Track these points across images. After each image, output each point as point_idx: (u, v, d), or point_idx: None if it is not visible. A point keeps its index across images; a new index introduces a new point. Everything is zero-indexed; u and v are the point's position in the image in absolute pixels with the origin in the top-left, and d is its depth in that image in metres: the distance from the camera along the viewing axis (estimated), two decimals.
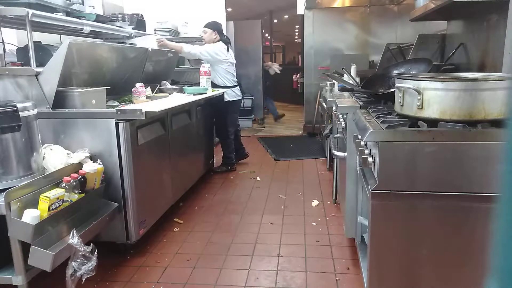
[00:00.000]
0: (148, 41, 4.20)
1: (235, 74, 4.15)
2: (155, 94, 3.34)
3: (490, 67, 2.13)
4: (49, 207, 1.74)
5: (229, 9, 8.61)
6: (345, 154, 2.20)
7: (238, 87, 4.17)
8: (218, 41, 3.98)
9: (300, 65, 6.18)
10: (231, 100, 4.07)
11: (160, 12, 5.16)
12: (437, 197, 1.45)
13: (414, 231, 1.51)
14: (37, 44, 2.72)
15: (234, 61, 4.14)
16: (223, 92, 3.95)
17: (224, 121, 4.10)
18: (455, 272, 1.50)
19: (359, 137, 1.72)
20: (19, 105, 1.81)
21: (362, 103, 2.14)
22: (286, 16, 12.75)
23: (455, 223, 1.47)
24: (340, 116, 2.37)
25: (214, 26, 4.00)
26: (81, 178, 2.00)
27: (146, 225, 2.47)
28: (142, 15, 4.21)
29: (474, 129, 1.41)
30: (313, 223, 2.83)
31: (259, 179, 3.90)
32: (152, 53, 3.39)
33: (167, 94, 3.46)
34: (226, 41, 4.02)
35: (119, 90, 3.01)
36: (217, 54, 3.90)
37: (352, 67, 3.46)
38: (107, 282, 2.13)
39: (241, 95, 4.26)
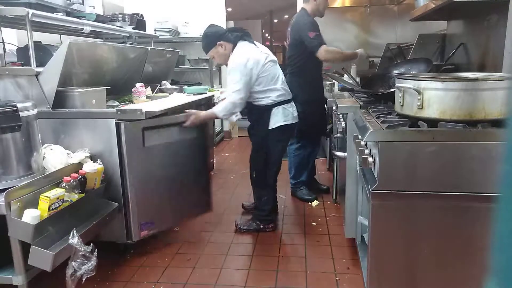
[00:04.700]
0: None
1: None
2: (155, 94, 3.34)
3: (490, 67, 2.13)
4: (49, 207, 1.74)
5: (229, 9, 8.61)
6: (345, 154, 2.20)
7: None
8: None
9: None
10: None
11: (160, 12, 5.17)
12: (437, 197, 1.45)
13: (414, 231, 1.51)
14: (37, 44, 2.72)
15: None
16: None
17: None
18: (455, 272, 1.50)
19: (359, 137, 1.73)
20: (19, 105, 1.81)
21: (362, 103, 2.14)
22: (286, 16, 12.75)
23: (455, 223, 1.47)
24: (340, 116, 2.37)
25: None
26: (81, 178, 2.00)
27: (154, 228, 2.40)
28: (142, 15, 4.21)
29: (474, 129, 1.41)
30: (313, 223, 2.83)
31: None
32: (152, 53, 3.39)
33: (167, 94, 3.45)
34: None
35: (119, 90, 3.01)
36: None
37: (352, 67, 3.46)
38: (107, 282, 2.13)
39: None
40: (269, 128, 2.54)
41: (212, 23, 2.58)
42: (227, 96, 2.46)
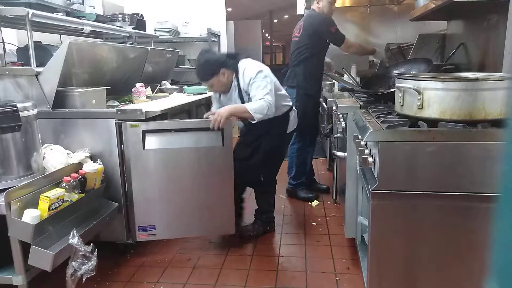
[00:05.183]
0: None
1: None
2: (155, 94, 3.34)
3: (490, 67, 2.13)
4: (49, 207, 1.74)
5: (229, 9, 8.62)
6: (345, 154, 2.20)
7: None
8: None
9: None
10: None
11: (160, 12, 5.16)
12: (437, 197, 1.45)
13: (414, 231, 1.51)
14: (37, 44, 2.72)
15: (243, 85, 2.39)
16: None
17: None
18: (455, 272, 1.50)
19: (359, 137, 1.73)
20: (19, 105, 1.82)
21: (362, 103, 2.14)
22: (286, 16, 12.75)
23: (455, 223, 1.47)
24: (340, 116, 2.37)
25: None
26: (81, 178, 2.00)
27: (155, 234, 2.33)
28: (142, 15, 4.22)
29: (474, 129, 1.41)
30: (313, 223, 2.83)
31: None
32: (152, 53, 3.39)
33: (167, 94, 3.46)
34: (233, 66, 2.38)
35: (119, 90, 3.01)
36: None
37: (352, 67, 3.46)
38: (107, 282, 2.13)
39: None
40: (288, 131, 2.60)
41: (206, 48, 2.40)
42: (259, 99, 2.26)
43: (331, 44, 3.17)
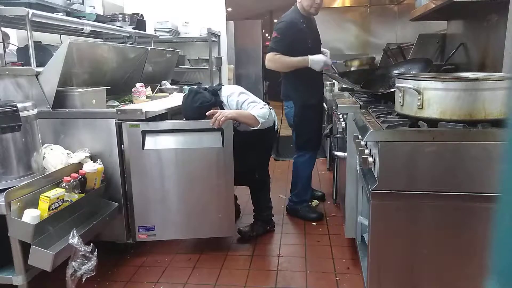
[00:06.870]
0: None
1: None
2: (155, 94, 3.34)
3: (490, 67, 2.13)
4: (49, 207, 1.74)
5: (229, 9, 8.62)
6: (345, 154, 2.20)
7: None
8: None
9: None
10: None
11: (160, 12, 5.16)
12: (437, 197, 1.45)
13: (414, 231, 1.51)
14: (37, 44, 2.72)
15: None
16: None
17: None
18: (455, 272, 1.50)
19: (359, 137, 1.73)
20: (19, 105, 1.82)
21: (362, 103, 2.14)
22: None
23: (455, 223, 1.47)
24: (340, 116, 2.37)
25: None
26: (81, 178, 2.00)
27: (155, 234, 2.33)
28: (142, 15, 4.22)
29: (474, 129, 1.41)
30: (313, 223, 2.83)
31: None
32: (152, 53, 3.39)
33: (167, 94, 3.46)
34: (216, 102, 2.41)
35: (119, 90, 3.01)
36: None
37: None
38: (107, 282, 2.13)
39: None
40: (275, 128, 2.70)
41: (195, 88, 2.42)
42: (260, 108, 2.36)
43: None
